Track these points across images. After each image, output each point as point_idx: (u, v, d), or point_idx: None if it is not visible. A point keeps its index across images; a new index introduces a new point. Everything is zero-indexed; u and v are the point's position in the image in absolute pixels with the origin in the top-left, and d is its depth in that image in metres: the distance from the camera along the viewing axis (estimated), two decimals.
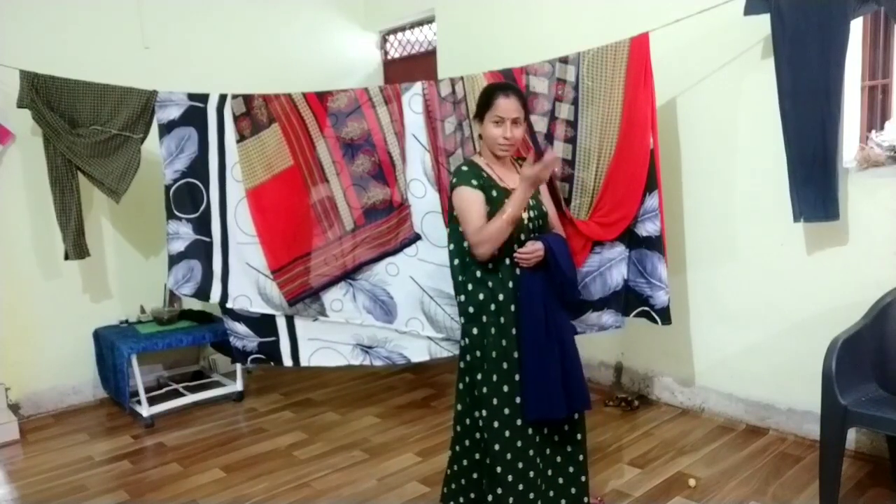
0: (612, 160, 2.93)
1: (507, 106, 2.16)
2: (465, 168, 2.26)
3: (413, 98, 3.27)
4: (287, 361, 3.52)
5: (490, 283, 2.22)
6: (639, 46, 2.85)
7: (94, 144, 3.32)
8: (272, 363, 3.57)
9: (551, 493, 2.32)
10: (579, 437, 2.36)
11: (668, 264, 2.94)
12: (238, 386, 3.92)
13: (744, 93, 3.08)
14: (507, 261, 2.21)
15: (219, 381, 4.07)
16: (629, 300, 3.02)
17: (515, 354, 2.21)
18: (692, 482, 2.71)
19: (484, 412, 2.21)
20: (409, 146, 3.30)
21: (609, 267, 3.01)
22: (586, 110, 2.97)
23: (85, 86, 3.30)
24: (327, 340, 3.48)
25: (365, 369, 3.99)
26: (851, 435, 2.84)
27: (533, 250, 2.18)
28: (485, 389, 2.21)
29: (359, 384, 4.14)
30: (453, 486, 2.40)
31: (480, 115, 2.23)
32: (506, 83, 2.51)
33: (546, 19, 3.77)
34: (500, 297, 2.21)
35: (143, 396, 3.59)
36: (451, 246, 2.31)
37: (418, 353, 3.45)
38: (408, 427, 3.43)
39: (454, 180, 2.25)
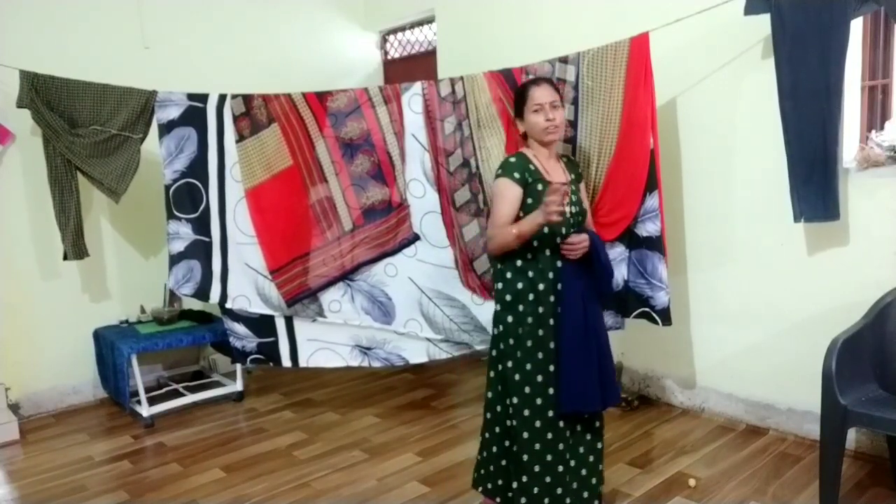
0: (612, 160, 2.93)
1: (541, 93, 2.28)
2: (512, 159, 2.30)
3: (413, 98, 3.27)
4: (286, 362, 3.52)
5: (530, 273, 2.26)
6: (639, 46, 2.84)
7: (94, 144, 3.32)
8: (271, 364, 3.57)
9: (575, 485, 2.36)
10: (603, 431, 2.44)
11: (669, 264, 2.94)
12: (238, 386, 3.92)
13: (744, 93, 3.08)
14: (548, 251, 2.27)
15: (219, 381, 4.07)
16: (629, 301, 3.01)
17: (552, 345, 2.26)
18: (692, 482, 2.71)
19: (515, 399, 2.25)
20: (408, 146, 3.30)
21: None
22: (586, 110, 2.97)
23: (84, 86, 3.30)
24: (326, 341, 3.48)
25: (364, 370, 3.98)
26: (851, 435, 2.84)
27: (580, 241, 2.24)
28: (517, 377, 2.25)
29: (359, 384, 4.14)
30: (482, 471, 2.44)
31: (520, 112, 2.34)
32: (533, 78, 2.61)
33: (546, 19, 3.77)
34: (540, 286, 2.26)
35: (143, 396, 3.59)
36: None
37: (417, 354, 3.45)
38: (408, 427, 3.43)
39: (499, 170, 2.30)
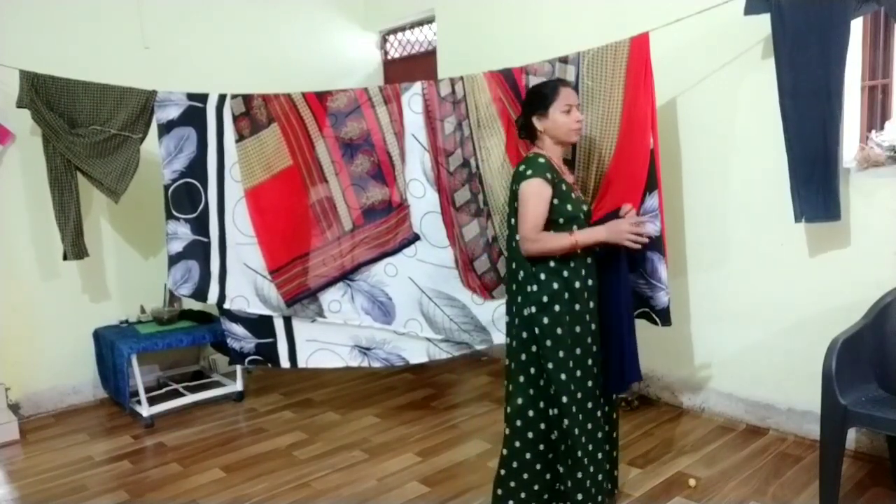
0: (612, 160, 2.92)
1: (569, 94, 2.33)
2: (541, 160, 2.29)
3: (413, 98, 3.27)
4: (284, 363, 3.52)
5: (565, 273, 2.29)
6: (639, 46, 2.84)
7: (94, 144, 3.32)
8: (270, 364, 3.56)
9: (607, 467, 2.50)
10: (615, 416, 2.56)
11: (669, 264, 2.93)
12: (238, 386, 3.92)
13: (744, 93, 3.08)
14: (580, 250, 2.31)
15: (219, 381, 4.07)
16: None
17: (589, 339, 2.34)
18: (692, 482, 2.71)
19: (564, 399, 2.27)
20: (408, 146, 3.30)
21: None
22: (586, 110, 2.97)
23: (84, 86, 3.30)
24: (325, 342, 3.48)
25: (364, 370, 3.98)
26: (851, 435, 2.84)
27: (643, 221, 2.38)
28: (563, 377, 2.27)
29: (358, 384, 4.14)
30: (512, 483, 2.38)
31: (544, 108, 2.32)
32: (557, 79, 2.71)
33: (546, 19, 3.77)
34: (576, 284, 2.30)
35: (143, 396, 3.59)
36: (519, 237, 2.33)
37: (417, 354, 3.44)
38: (408, 427, 3.43)
39: (528, 171, 2.26)
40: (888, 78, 2.94)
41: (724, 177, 3.20)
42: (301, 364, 3.51)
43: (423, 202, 3.31)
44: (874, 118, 2.97)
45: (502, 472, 2.40)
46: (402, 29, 4.86)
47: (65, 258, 3.44)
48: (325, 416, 3.64)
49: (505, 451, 2.39)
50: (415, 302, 3.36)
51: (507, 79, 3.10)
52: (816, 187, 2.72)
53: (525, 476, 2.37)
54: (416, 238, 3.33)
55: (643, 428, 3.29)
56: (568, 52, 3.00)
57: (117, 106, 3.34)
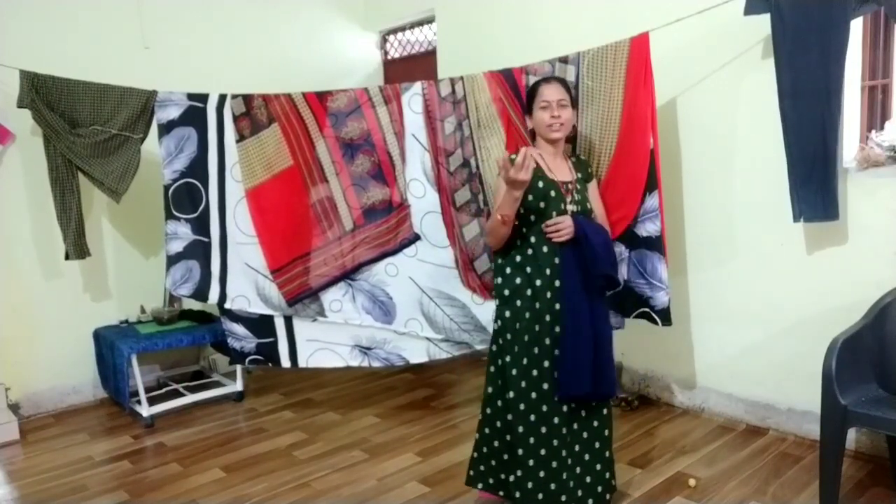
0: (612, 160, 2.92)
1: (549, 91, 2.35)
2: (514, 156, 2.27)
3: (413, 98, 3.27)
4: (285, 362, 3.52)
5: (528, 269, 2.30)
6: (639, 46, 2.84)
7: (94, 144, 3.32)
8: (270, 364, 3.57)
9: (580, 493, 2.36)
10: (606, 433, 2.42)
11: (669, 264, 2.94)
12: (238, 386, 3.92)
13: (744, 93, 3.08)
14: (545, 248, 2.29)
15: (219, 381, 4.07)
16: (629, 301, 3.01)
17: (547, 341, 2.29)
18: (692, 482, 2.71)
19: (511, 394, 2.28)
20: (408, 146, 3.30)
21: None
22: (586, 110, 2.97)
23: (85, 86, 3.30)
24: (326, 341, 3.48)
25: (364, 369, 3.99)
26: (851, 435, 2.84)
27: (560, 221, 2.27)
28: (514, 372, 2.28)
29: (359, 384, 4.14)
30: (481, 468, 2.46)
31: (529, 109, 2.40)
32: (547, 77, 2.71)
33: (546, 19, 3.77)
34: (537, 282, 2.29)
35: (143, 396, 3.59)
36: None
37: (417, 354, 3.45)
38: (408, 427, 3.43)
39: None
40: (888, 78, 2.94)
41: (723, 177, 3.20)
42: (302, 363, 3.51)
43: (423, 202, 3.31)
44: (874, 118, 2.97)
45: (474, 454, 2.48)
46: (402, 29, 4.87)
47: (67, 258, 3.44)
48: (325, 416, 3.64)
49: (477, 436, 2.47)
50: (415, 301, 3.36)
51: (507, 79, 3.10)
52: (815, 187, 2.72)
53: (492, 463, 2.42)
54: (417, 238, 3.33)
55: (643, 428, 3.29)
56: (568, 52, 3.00)
57: (118, 106, 3.34)
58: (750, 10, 2.76)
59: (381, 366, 3.54)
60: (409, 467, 2.98)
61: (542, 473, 2.29)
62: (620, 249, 2.99)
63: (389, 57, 5.07)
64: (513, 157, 2.18)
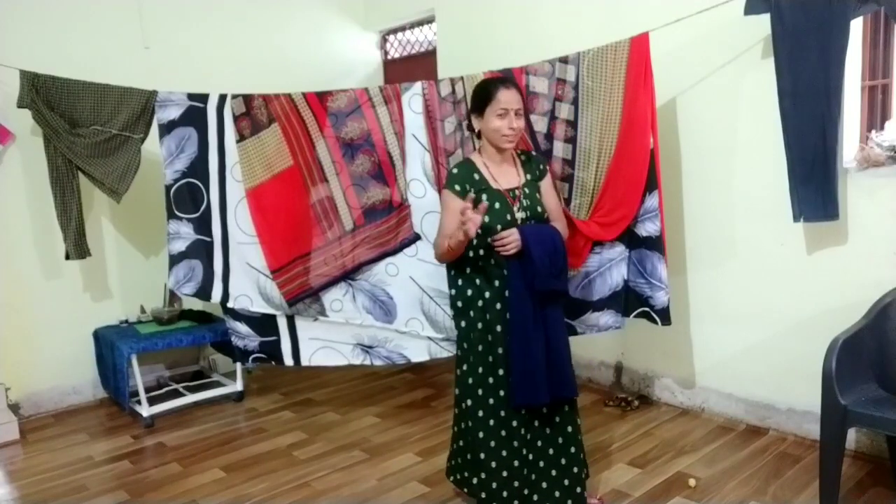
0: (612, 160, 2.93)
1: (508, 97, 2.21)
2: (455, 170, 2.31)
3: (413, 98, 3.27)
4: (288, 361, 3.52)
5: (477, 281, 2.31)
6: (639, 46, 2.84)
7: (95, 144, 3.32)
8: (273, 363, 3.57)
9: (544, 485, 2.38)
10: (570, 429, 2.41)
11: (668, 264, 2.94)
12: (238, 386, 3.92)
13: (744, 93, 3.08)
14: (493, 260, 2.28)
15: (219, 381, 4.07)
16: (629, 300, 3.02)
17: (500, 350, 2.31)
18: (692, 482, 2.71)
19: (469, 402, 2.33)
20: (408, 146, 3.30)
21: (609, 267, 3.01)
22: (586, 110, 2.97)
23: (85, 86, 3.30)
24: (328, 340, 3.48)
25: (365, 369, 3.99)
26: (851, 435, 2.84)
27: (507, 235, 2.21)
28: (470, 380, 2.32)
29: (359, 384, 4.14)
30: (453, 462, 2.61)
31: (480, 109, 2.26)
32: (502, 76, 2.63)
33: (546, 19, 3.77)
34: (487, 294, 2.30)
35: (143, 396, 3.59)
36: None
37: (418, 353, 3.45)
38: (408, 427, 3.43)
39: (446, 180, 2.33)
40: (888, 78, 2.94)
41: (723, 176, 3.20)
42: (304, 362, 3.51)
43: (423, 202, 3.31)
44: (874, 118, 2.97)
45: (453, 446, 2.58)
46: (402, 29, 4.87)
47: (67, 258, 3.44)
48: (325, 416, 3.64)
49: (455, 429, 2.55)
50: (416, 301, 3.36)
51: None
52: (815, 187, 2.72)
53: (459, 460, 2.54)
54: (417, 238, 3.33)
55: (643, 428, 3.29)
56: (568, 52, 3.00)
57: (118, 106, 3.34)
58: (750, 10, 2.76)
59: (382, 364, 3.54)
60: (409, 467, 2.98)
61: (504, 473, 2.30)
62: (620, 249, 2.99)
63: (389, 57, 5.07)
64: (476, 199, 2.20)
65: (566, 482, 2.39)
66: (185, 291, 3.49)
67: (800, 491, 2.63)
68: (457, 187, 2.26)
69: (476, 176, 2.28)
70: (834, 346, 2.32)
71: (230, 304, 3.45)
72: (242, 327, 3.50)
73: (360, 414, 3.65)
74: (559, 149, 3.02)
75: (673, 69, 3.17)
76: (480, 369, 2.31)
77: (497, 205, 2.25)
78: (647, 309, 2.97)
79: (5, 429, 3.45)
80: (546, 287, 2.23)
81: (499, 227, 2.23)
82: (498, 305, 2.30)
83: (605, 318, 3.05)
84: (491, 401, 2.31)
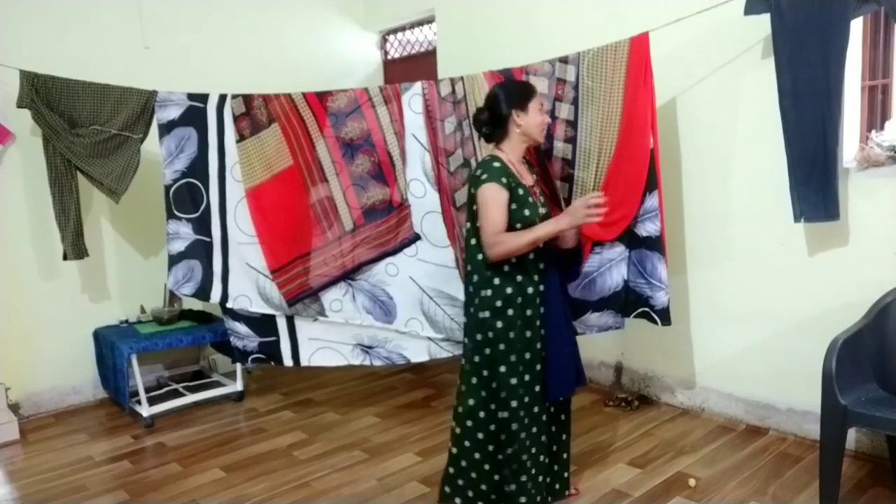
0: (612, 160, 2.93)
1: (542, 95, 2.39)
2: (496, 164, 2.26)
3: (413, 98, 3.27)
4: (287, 361, 3.52)
5: (518, 278, 2.29)
6: (639, 46, 2.84)
7: (94, 144, 3.32)
8: (272, 363, 3.57)
9: (548, 479, 2.48)
10: (564, 416, 2.52)
11: (668, 264, 2.94)
12: (238, 386, 3.92)
13: (744, 93, 3.08)
14: (532, 255, 2.30)
15: (219, 381, 4.07)
16: (629, 301, 3.01)
17: (538, 345, 2.33)
18: (692, 482, 2.71)
19: (513, 403, 2.29)
20: (408, 146, 3.30)
21: (609, 267, 3.01)
22: (586, 110, 2.97)
23: (84, 86, 3.30)
24: (327, 340, 3.48)
25: (365, 369, 3.99)
26: (851, 435, 2.84)
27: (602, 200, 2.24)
28: (513, 381, 2.29)
29: (359, 384, 4.14)
30: (459, 482, 2.42)
31: (523, 104, 2.28)
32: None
33: (546, 19, 3.77)
34: (529, 290, 2.30)
35: (143, 396, 3.59)
36: (474, 241, 2.32)
37: (418, 353, 3.45)
38: (408, 427, 3.43)
39: (483, 175, 2.24)
40: (888, 78, 2.94)
41: (723, 176, 3.20)
42: (304, 362, 3.51)
43: (423, 202, 3.31)
44: (874, 118, 2.97)
45: (451, 469, 2.44)
46: (402, 29, 4.86)
47: (65, 258, 3.44)
48: (325, 416, 3.64)
49: (454, 450, 2.42)
50: (416, 301, 3.36)
51: (507, 79, 3.10)
52: (816, 187, 2.72)
53: (473, 475, 2.39)
54: (417, 238, 3.33)
55: (643, 428, 3.29)
56: (568, 52, 3.00)
57: (118, 106, 3.34)
58: (750, 10, 2.76)
59: (382, 364, 3.54)
60: (409, 467, 2.98)
61: (534, 471, 2.34)
62: (620, 249, 2.99)
63: (389, 57, 5.07)
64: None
65: (565, 475, 2.54)
66: (184, 292, 3.49)
67: (800, 491, 2.63)
68: (503, 180, 2.23)
69: (511, 170, 2.29)
70: (834, 346, 2.32)
71: (229, 305, 3.45)
72: (242, 328, 3.49)
73: (360, 414, 3.65)
74: (559, 149, 3.02)
75: (673, 69, 3.17)
76: (521, 368, 2.29)
77: (530, 199, 2.29)
78: (647, 309, 2.97)
79: (5, 429, 3.45)
80: (576, 277, 2.44)
81: (536, 219, 2.27)
82: (537, 300, 2.33)
83: (605, 318, 3.05)
84: (527, 399, 2.31)
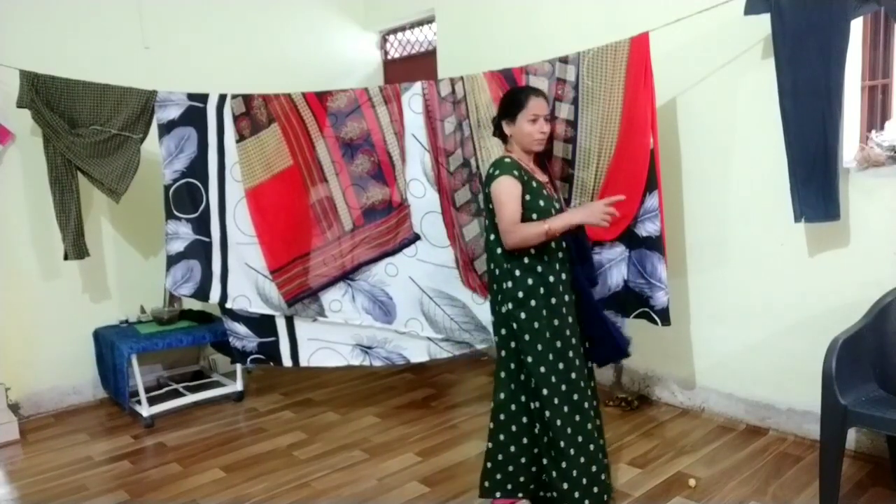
0: (612, 160, 2.93)
1: (539, 105, 2.36)
2: (507, 160, 2.36)
3: (413, 98, 3.27)
4: (287, 362, 3.52)
5: (539, 268, 2.33)
6: (639, 46, 2.84)
7: (94, 144, 3.32)
8: (272, 363, 3.57)
9: (605, 461, 2.50)
10: (595, 403, 2.55)
11: (668, 264, 2.94)
12: (238, 386, 3.92)
13: (744, 93, 3.08)
14: (553, 245, 2.35)
15: (219, 381, 4.07)
16: (629, 301, 3.01)
17: (568, 332, 2.36)
18: (692, 482, 2.71)
19: (545, 391, 2.31)
20: (408, 146, 3.30)
21: (609, 267, 3.01)
22: (586, 110, 2.97)
23: (84, 86, 3.30)
24: (327, 341, 3.48)
25: (365, 369, 3.99)
26: (851, 435, 2.84)
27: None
28: (542, 370, 2.31)
29: (359, 384, 4.14)
30: (498, 476, 2.45)
31: (512, 115, 2.37)
32: (530, 87, 2.77)
33: (546, 19, 3.77)
34: (550, 279, 2.34)
35: (143, 396, 3.59)
36: (493, 236, 2.38)
37: (418, 353, 3.45)
38: (408, 427, 3.43)
39: (496, 171, 2.32)
40: (888, 78, 2.93)
41: (724, 177, 3.20)
42: (303, 363, 3.51)
43: (423, 202, 3.31)
44: (874, 118, 2.97)
45: (488, 464, 2.47)
46: (402, 29, 4.86)
47: (66, 258, 3.44)
48: (325, 416, 3.64)
49: (490, 445, 2.46)
50: (415, 301, 3.36)
51: (507, 79, 3.10)
52: (816, 187, 2.72)
53: (510, 468, 2.43)
54: (417, 238, 3.33)
55: (643, 428, 3.29)
56: (568, 52, 3.00)
57: (117, 106, 3.34)
58: (750, 10, 2.76)
59: (381, 365, 3.54)
60: (409, 467, 2.98)
61: (582, 459, 2.34)
62: (620, 249, 2.99)
63: (389, 57, 5.07)
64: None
65: (605, 460, 2.53)
66: (183, 292, 3.49)
67: (800, 491, 2.62)
68: (515, 173, 2.30)
69: (522, 166, 2.36)
70: (834, 346, 2.32)
71: (228, 305, 3.45)
72: (241, 328, 3.50)
73: (360, 414, 3.65)
74: (559, 149, 3.02)
75: (673, 69, 3.17)
76: (551, 356, 2.31)
77: (545, 192, 2.36)
78: (646, 309, 2.97)
79: (5, 429, 3.45)
80: (590, 274, 2.55)
81: (552, 210, 2.34)
82: (560, 288, 2.36)
83: None
84: (563, 387, 2.33)
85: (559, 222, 2.25)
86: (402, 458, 3.08)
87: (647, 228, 2.92)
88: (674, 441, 3.12)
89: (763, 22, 2.77)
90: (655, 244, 2.91)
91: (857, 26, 2.80)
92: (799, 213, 2.78)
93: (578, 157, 3.00)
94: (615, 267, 3.01)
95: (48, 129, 3.25)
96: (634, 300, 3.00)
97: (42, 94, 3.23)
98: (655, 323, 2.96)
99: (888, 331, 2.50)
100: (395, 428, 3.43)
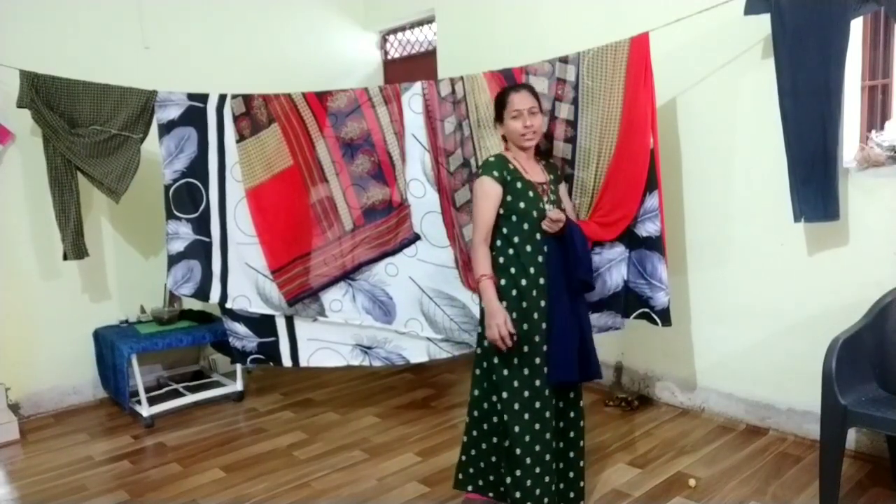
0: (612, 160, 2.92)
1: (520, 99, 2.36)
2: (491, 159, 2.38)
3: (413, 98, 3.27)
4: (286, 362, 3.52)
5: (512, 270, 2.33)
6: (639, 46, 2.84)
7: (94, 144, 3.32)
8: (272, 363, 3.57)
9: (562, 485, 2.44)
10: (582, 423, 2.47)
11: (668, 264, 2.93)
12: (238, 386, 3.92)
13: (744, 93, 3.08)
14: (529, 247, 2.32)
15: (219, 381, 4.07)
16: (629, 301, 3.01)
17: (537, 338, 2.32)
18: (692, 482, 2.71)
19: (504, 394, 2.30)
20: (408, 146, 3.30)
21: (609, 267, 3.01)
22: (586, 110, 2.97)
23: (84, 86, 3.30)
24: (327, 341, 3.48)
25: (365, 369, 3.99)
26: (851, 435, 2.84)
27: (559, 217, 2.30)
28: (505, 372, 2.31)
29: (359, 384, 4.14)
30: (471, 470, 2.48)
31: (499, 116, 2.41)
32: (512, 84, 2.76)
33: (546, 19, 3.77)
34: (523, 282, 2.32)
35: (143, 396, 3.59)
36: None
37: (417, 353, 3.45)
38: (408, 427, 3.43)
39: (480, 170, 2.37)
40: (888, 78, 2.94)
41: (723, 177, 3.20)
42: (303, 363, 3.51)
43: (423, 202, 3.31)
44: (874, 118, 2.97)
45: (463, 458, 2.50)
46: (402, 29, 4.87)
47: (65, 258, 3.44)
48: (325, 416, 3.64)
49: (465, 439, 2.49)
50: (415, 301, 3.36)
51: (507, 79, 3.10)
52: (816, 187, 2.72)
53: (481, 465, 2.45)
54: (417, 238, 3.33)
55: (643, 428, 3.29)
56: (568, 52, 3.00)
57: (117, 106, 3.34)
58: (750, 10, 2.76)
59: (381, 365, 3.54)
60: (409, 467, 2.98)
61: (538, 469, 2.31)
62: (620, 249, 2.99)
63: (389, 57, 5.07)
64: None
65: (571, 474, 2.47)
66: (183, 292, 3.49)
67: (800, 491, 2.63)
68: (495, 173, 2.32)
69: (511, 166, 2.36)
70: (834, 346, 2.32)
71: (228, 305, 3.45)
72: (241, 328, 3.49)
73: (360, 414, 3.65)
74: (559, 149, 3.02)
75: (673, 69, 3.17)
76: (515, 360, 2.30)
77: (531, 193, 2.35)
78: (647, 310, 2.96)
79: (5, 429, 3.45)
80: (582, 276, 2.38)
81: (534, 213, 2.32)
82: (534, 292, 2.33)
83: (605, 319, 3.04)
84: (526, 393, 2.31)
85: (486, 293, 2.26)
86: (402, 458, 3.08)
87: (648, 228, 2.91)
88: (674, 441, 3.13)
89: (763, 22, 2.77)
90: (655, 244, 2.90)
91: (857, 26, 2.80)
92: (799, 212, 2.78)
93: (578, 157, 2.99)
94: (615, 267, 3.00)
95: (48, 129, 3.25)
96: (634, 301, 2.99)
97: (42, 94, 3.23)
98: (656, 323, 2.95)
99: (888, 331, 2.51)
100: (394, 428, 3.43)
